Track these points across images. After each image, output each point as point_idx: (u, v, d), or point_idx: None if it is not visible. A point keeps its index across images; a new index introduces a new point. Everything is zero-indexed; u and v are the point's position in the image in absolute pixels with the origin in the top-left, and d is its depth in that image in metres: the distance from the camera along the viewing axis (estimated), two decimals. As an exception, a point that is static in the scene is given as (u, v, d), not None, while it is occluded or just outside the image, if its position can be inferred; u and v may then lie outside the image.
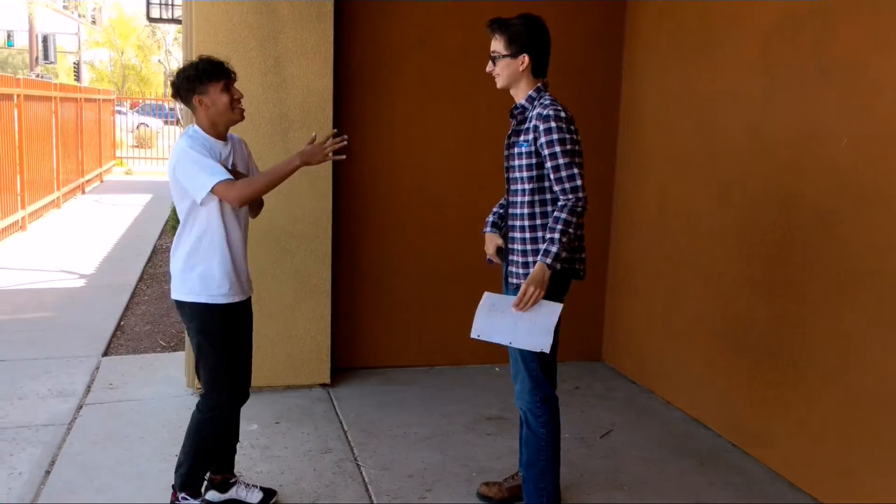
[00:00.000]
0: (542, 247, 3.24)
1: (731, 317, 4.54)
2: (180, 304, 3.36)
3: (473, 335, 3.42)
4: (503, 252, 3.60)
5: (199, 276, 3.29)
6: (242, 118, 3.37)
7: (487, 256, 3.66)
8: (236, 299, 3.38)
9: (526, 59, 3.34)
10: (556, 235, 3.21)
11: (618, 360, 5.86)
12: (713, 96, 4.71)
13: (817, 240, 3.89)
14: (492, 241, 3.64)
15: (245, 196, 3.20)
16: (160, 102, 32.22)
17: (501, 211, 3.70)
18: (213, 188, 3.15)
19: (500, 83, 3.42)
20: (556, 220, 3.23)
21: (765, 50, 4.26)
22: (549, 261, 3.20)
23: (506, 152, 3.56)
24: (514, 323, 3.31)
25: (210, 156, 3.22)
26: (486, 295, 3.41)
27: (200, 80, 3.25)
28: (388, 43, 5.35)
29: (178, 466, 3.44)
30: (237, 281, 3.37)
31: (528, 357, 3.40)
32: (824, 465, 3.85)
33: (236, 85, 3.34)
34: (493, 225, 3.68)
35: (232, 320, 3.39)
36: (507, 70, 3.36)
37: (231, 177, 3.19)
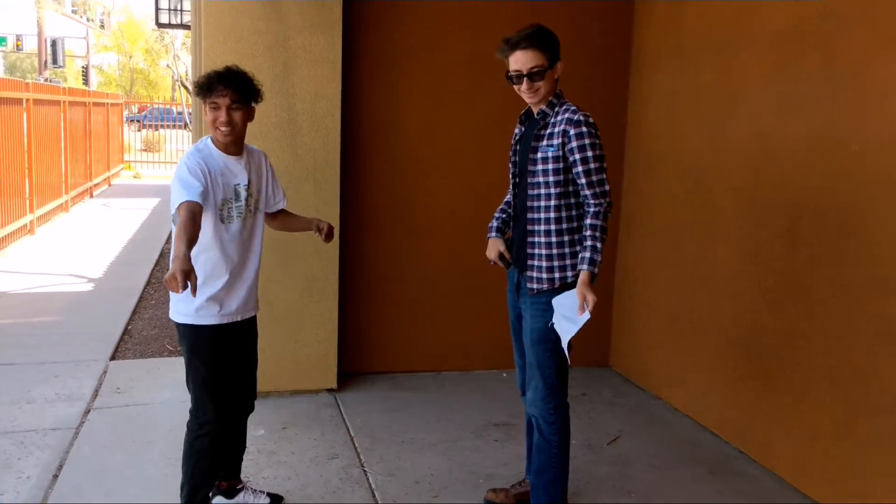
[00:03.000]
0: (585, 255, 3.27)
1: (739, 323, 4.53)
2: (175, 323, 3.35)
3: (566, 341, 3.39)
4: (504, 258, 3.61)
5: (187, 297, 3.19)
6: (223, 139, 3.24)
7: (490, 260, 3.67)
8: (226, 321, 3.32)
9: (560, 66, 3.37)
10: (599, 244, 3.28)
11: (625, 366, 5.85)
12: (721, 101, 4.70)
13: (825, 246, 3.88)
14: (495, 246, 3.64)
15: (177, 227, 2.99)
16: (167, 106, 32.31)
17: (504, 216, 3.70)
18: (178, 206, 3.00)
19: (539, 97, 3.35)
20: (594, 227, 3.29)
21: (773, 54, 4.26)
22: (595, 269, 3.27)
23: (514, 157, 3.56)
24: (560, 319, 3.36)
25: (200, 173, 3.12)
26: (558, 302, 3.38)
27: (198, 93, 3.24)
28: (396, 49, 5.36)
29: (181, 488, 3.41)
30: (231, 302, 3.32)
31: (545, 364, 3.40)
32: (832, 473, 3.83)
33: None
34: (498, 230, 3.68)
35: (225, 340, 3.35)
36: (549, 82, 3.35)
37: (199, 201, 3.02)
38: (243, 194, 3.28)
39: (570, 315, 3.32)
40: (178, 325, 3.32)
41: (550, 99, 3.39)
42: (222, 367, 3.36)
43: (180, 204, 2.98)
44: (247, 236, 3.34)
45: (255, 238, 3.40)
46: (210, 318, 3.28)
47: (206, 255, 3.24)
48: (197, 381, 3.34)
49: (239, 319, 3.38)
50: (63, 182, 13.68)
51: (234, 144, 3.28)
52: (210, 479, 3.46)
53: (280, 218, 3.67)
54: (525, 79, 3.31)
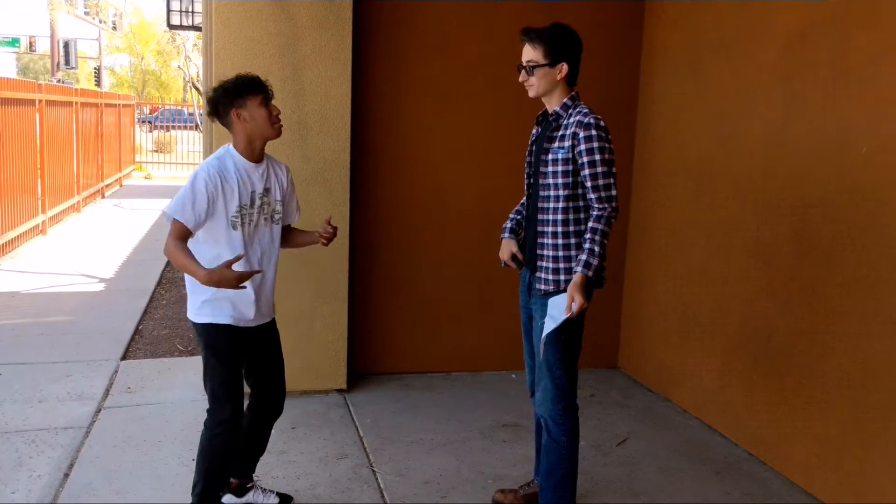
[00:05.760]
0: (581, 257, 3.26)
1: (747, 325, 4.52)
2: (192, 323, 3.37)
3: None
4: (517, 259, 3.62)
5: (199, 295, 3.27)
6: (280, 134, 3.34)
7: (502, 261, 3.68)
8: (241, 325, 3.35)
9: (564, 67, 3.35)
10: (597, 248, 3.25)
11: (634, 367, 5.84)
12: (730, 104, 4.70)
13: (835, 248, 3.87)
14: (508, 247, 3.65)
15: (168, 255, 3.13)
16: (179, 108, 32.43)
17: (519, 217, 3.70)
18: (172, 220, 3.13)
19: (534, 92, 3.41)
20: (594, 230, 3.27)
21: (782, 57, 4.25)
22: (590, 273, 3.25)
23: (529, 158, 3.57)
24: (548, 318, 3.40)
25: (218, 188, 3.18)
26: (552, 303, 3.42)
27: (240, 94, 3.24)
28: (406, 50, 5.37)
29: (194, 486, 3.41)
30: (245, 308, 3.33)
31: (555, 365, 3.40)
32: (842, 475, 3.82)
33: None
34: (511, 231, 3.69)
35: (241, 340, 3.37)
36: (545, 79, 3.36)
37: (190, 227, 3.14)
38: (258, 202, 3.32)
39: (556, 315, 3.33)
40: (196, 324, 3.34)
41: (564, 101, 3.40)
42: (238, 366, 3.40)
43: (175, 219, 3.13)
44: (264, 243, 3.39)
45: (272, 247, 3.43)
46: (225, 317, 3.31)
47: (221, 256, 3.25)
48: (215, 380, 3.35)
49: (253, 326, 3.41)
50: (75, 183, 13.76)
51: (262, 146, 3.34)
52: (223, 478, 3.48)
53: (286, 234, 3.60)
54: (522, 71, 3.40)
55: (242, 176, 3.28)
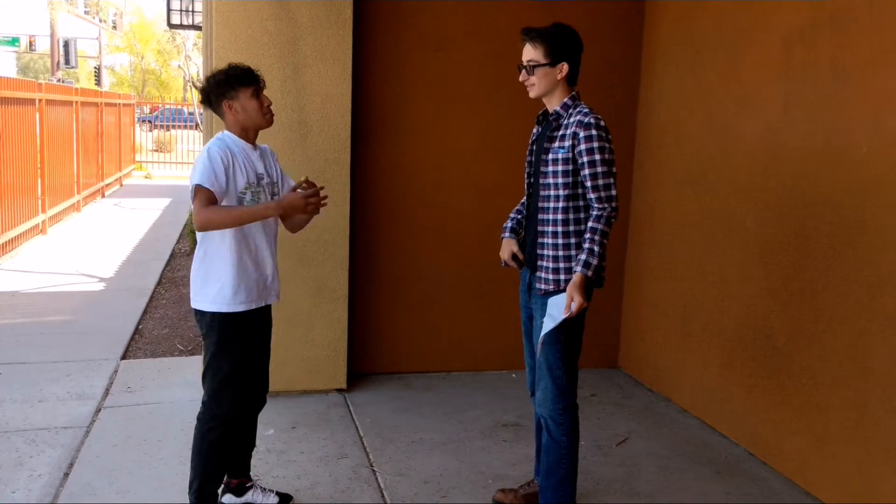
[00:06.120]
0: (581, 256, 3.27)
1: (747, 325, 4.52)
2: (199, 313, 3.37)
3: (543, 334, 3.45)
4: (517, 258, 3.62)
5: (214, 284, 3.30)
6: (271, 123, 3.42)
7: (503, 261, 3.68)
8: (252, 306, 3.38)
9: (565, 67, 3.35)
10: (596, 248, 3.26)
11: (634, 367, 5.84)
12: (730, 104, 4.69)
13: (835, 248, 3.87)
14: (508, 246, 3.66)
15: (205, 222, 3.14)
16: (179, 107, 32.43)
17: (519, 217, 3.71)
18: (194, 187, 3.15)
19: (535, 92, 3.41)
20: (594, 230, 3.27)
21: (783, 57, 4.25)
22: (589, 273, 3.25)
23: (530, 158, 3.58)
24: (547, 317, 3.41)
25: (230, 161, 3.24)
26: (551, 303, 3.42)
27: (231, 86, 3.29)
28: (406, 50, 5.37)
29: (190, 485, 3.42)
30: (254, 287, 3.37)
31: (555, 365, 3.40)
32: (841, 475, 3.82)
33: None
34: (512, 231, 3.69)
35: (249, 329, 3.40)
36: (545, 79, 3.36)
37: (217, 193, 3.16)
38: (264, 180, 3.39)
39: (555, 314, 3.33)
40: (207, 314, 3.33)
41: (565, 100, 3.40)
42: (248, 358, 3.42)
43: (201, 186, 3.14)
44: (267, 222, 3.42)
45: (272, 223, 3.48)
46: (245, 302, 3.33)
47: (233, 240, 3.29)
48: (221, 371, 3.36)
49: (270, 303, 3.48)
50: (75, 182, 13.76)
51: (255, 134, 3.41)
52: (219, 474, 3.48)
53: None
54: (522, 70, 3.41)
55: (244, 156, 3.34)
